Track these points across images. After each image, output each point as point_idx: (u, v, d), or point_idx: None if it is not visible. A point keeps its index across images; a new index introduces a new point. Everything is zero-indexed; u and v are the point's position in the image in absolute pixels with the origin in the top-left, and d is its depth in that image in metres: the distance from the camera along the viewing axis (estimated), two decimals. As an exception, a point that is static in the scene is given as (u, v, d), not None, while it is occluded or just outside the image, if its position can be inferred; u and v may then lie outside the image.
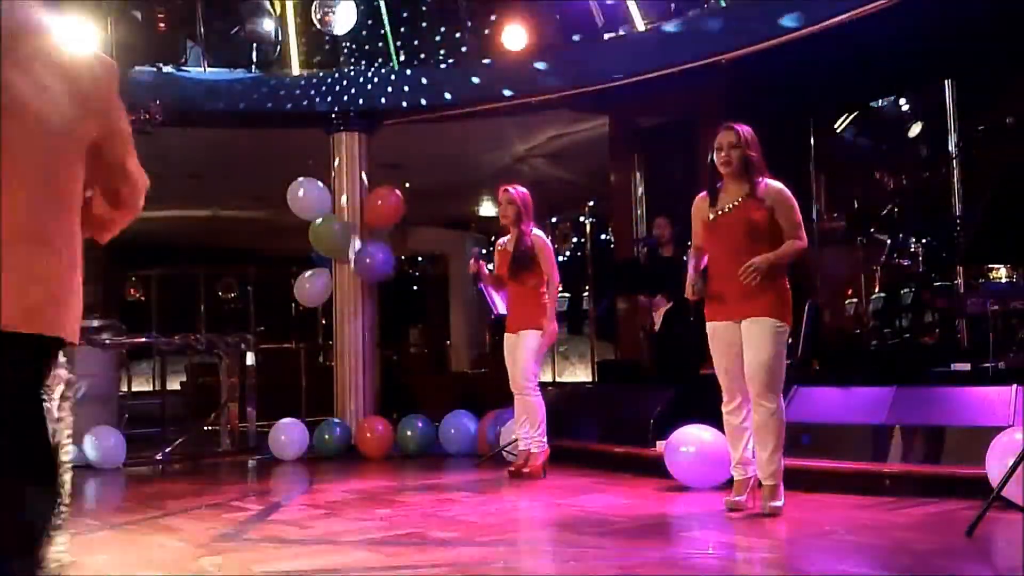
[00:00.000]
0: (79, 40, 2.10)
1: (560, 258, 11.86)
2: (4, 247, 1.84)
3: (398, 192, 8.53)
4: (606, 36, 7.82)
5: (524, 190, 6.34)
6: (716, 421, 5.59)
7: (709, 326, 4.52)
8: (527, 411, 6.11)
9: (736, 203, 4.42)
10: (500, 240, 6.48)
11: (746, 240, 4.33)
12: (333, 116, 8.46)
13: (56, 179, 1.96)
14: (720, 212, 4.46)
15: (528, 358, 6.10)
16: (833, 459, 5.05)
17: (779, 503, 4.35)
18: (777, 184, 4.43)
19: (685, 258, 7.45)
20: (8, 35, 1.93)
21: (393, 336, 12.62)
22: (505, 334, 6.35)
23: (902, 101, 8.20)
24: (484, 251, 6.55)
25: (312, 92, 8.35)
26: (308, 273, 8.64)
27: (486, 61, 8.17)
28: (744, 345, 4.36)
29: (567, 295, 11.65)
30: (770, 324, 4.29)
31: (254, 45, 8.21)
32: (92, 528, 4.71)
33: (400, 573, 3.52)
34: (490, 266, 6.62)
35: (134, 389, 12.14)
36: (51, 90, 1.96)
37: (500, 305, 7.17)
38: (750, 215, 4.37)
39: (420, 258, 15.47)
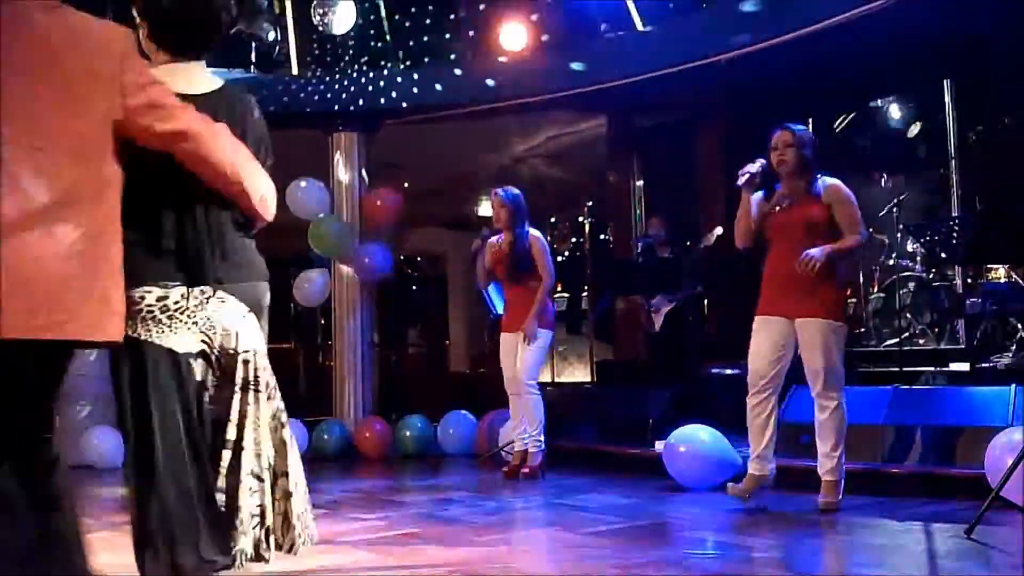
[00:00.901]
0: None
1: (559, 258, 11.86)
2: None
3: (397, 192, 8.53)
4: (605, 36, 7.81)
5: (516, 192, 6.30)
6: (715, 421, 5.60)
7: (758, 319, 4.54)
8: (527, 410, 6.11)
9: (794, 201, 4.48)
10: (492, 239, 6.36)
11: (805, 237, 4.38)
12: (332, 116, 8.46)
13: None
14: (777, 209, 4.51)
15: (534, 356, 6.11)
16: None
17: (835, 499, 4.37)
18: (834, 181, 4.49)
19: (685, 259, 7.51)
20: None
21: (392, 336, 12.61)
22: (503, 334, 6.34)
23: (902, 101, 8.20)
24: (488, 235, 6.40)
25: (312, 92, 8.34)
26: (307, 273, 8.63)
27: (485, 61, 8.16)
28: (801, 345, 4.40)
29: (566, 295, 11.62)
30: (826, 325, 4.34)
31: (253, 45, 8.20)
32: (93, 528, 4.69)
33: (399, 573, 3.52)
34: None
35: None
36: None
37: (499, 305, 7.16)
38: (808, 212, 4.43)
39: (419, 258, 15.46)
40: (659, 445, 5.76)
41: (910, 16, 6.24)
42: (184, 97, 2.21)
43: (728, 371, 6.95)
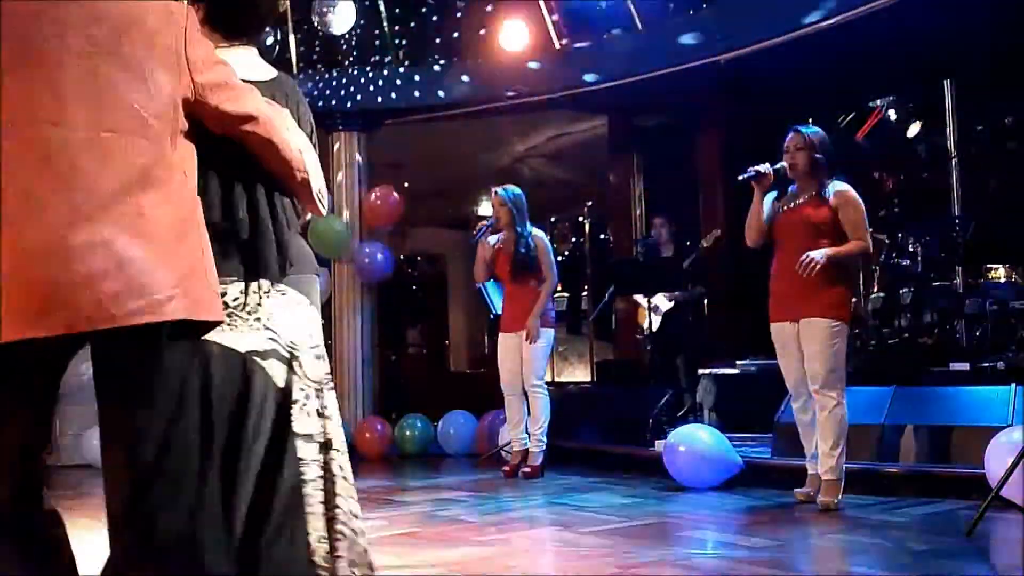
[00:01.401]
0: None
1: (559, 258, 11.85)
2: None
3: (397, 192, 8.53)
4: (605, 36, 7.81)
5: (517, 190, 6.29)
6: (715, 421, 5.60)
7: (772, 327, 4.63)
8: (534, 409, 6.11)
9: (801, 201, 4.54)
10: (492, 238, 6.35)
11: (809, 237, 4.44)
12: (332, 116, 8.46)
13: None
14: (784, 209, 4.58)
15: (538, 355, 6.11)
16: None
17: (835, 499, 4.40)
18: (843, 185, 4.53)
19: (685, 259, 7.51)
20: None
21: (392, 336, 12.60)
22: (501, 334, 6.34)
23: (902, 101, 8.19)
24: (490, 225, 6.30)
25: (312, 92, 8.34)
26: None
27: (485, 61, 8.16)
28: (802, 344, 4.46)
29: (566, 295, 11.62)
30: (825, 324, 4.38)
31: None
32: (93, 528, 4.70)
33: (400, 573, 3.52)
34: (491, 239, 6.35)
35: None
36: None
37: (498, 303, 7.15)
38: (814, 213, 4.48)
39: (419, 258, 15.45)
40: (659, 445, 5.76)
41: (910, 16, 6.24)
42: (246, 82, 2.10)
43: (721, 371, 6.95)
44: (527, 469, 6.08)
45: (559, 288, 8.90)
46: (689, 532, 4.33)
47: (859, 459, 4.93)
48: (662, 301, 7.48)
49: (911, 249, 6.88)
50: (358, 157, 8.61)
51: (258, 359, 2.10)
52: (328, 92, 8.35)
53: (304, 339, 2.20)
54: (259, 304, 2.15)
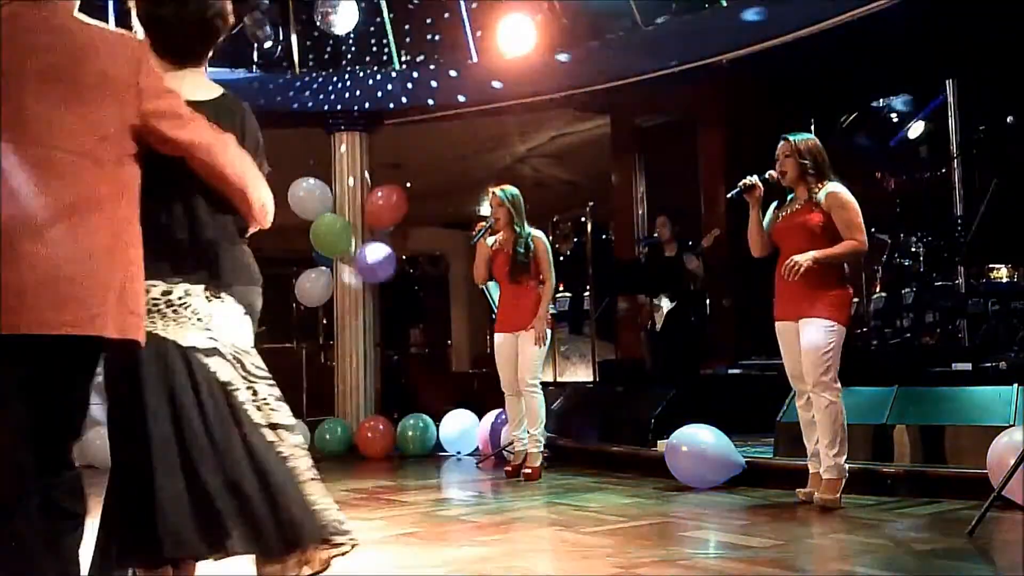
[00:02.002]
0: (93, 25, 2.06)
1: (560, 257, 11.84)
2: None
3: (399, 192, 8.53)
4: (607, 36, 7.80)
5: (514, 191, 6.27)
6: (716, 421, 5.59)
7: (775, 325, 4.71)
8: (530, 409, 6.11)
9: (796, 207, 4.62)
10: (490, 239, 6.33)
11: (805, 242, 4.49)
12: (333, 116, 8.46)
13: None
14: (781, 216, 4.68)
15: (534, 357, 6.10)
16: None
17: (834, 496, 4.42)
18: (835, 187, 4.57)
19: (686, 256, 7.51)
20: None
21: (394, 336, 12.61)
22: (497, 334, 6.32)
23: (902, 101, 8.19)
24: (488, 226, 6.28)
25: (313, 92, 8.34)
26: (309, 273, 8.64)
27: (487, 61, 8.15)
28: (800, 342, 4.52)
29: (568, 295, 11.63)
30: (821, 323, 4.44)
31: (255, 45, 8.20)
32: (93, 527, 4.69)
33: (400, 573, 3.52)
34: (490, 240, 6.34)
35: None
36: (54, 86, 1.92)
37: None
38: (807, 218, 4.55)
39: (420, 258, 15.46)
40: (661, 444, 5.75)
41: (910, 16, 6.24)
42: (190, 104, 2.29)
43: (729, 371, 6.94)
44: (528, 470, 6.07)
45: (560, 287, 8.88)
46: (691, 532, 4.32)
47: (860, 459, 4.92)
48: (664, 301, 7.48)
49: (913, 249, 6.88)
50: (359, 157, 8.61)
51: (200, 355, 2.33)
52: (328, 92, 8.34)
53: (243, 342, 2.45)
54: (201, 306, 2.37)
